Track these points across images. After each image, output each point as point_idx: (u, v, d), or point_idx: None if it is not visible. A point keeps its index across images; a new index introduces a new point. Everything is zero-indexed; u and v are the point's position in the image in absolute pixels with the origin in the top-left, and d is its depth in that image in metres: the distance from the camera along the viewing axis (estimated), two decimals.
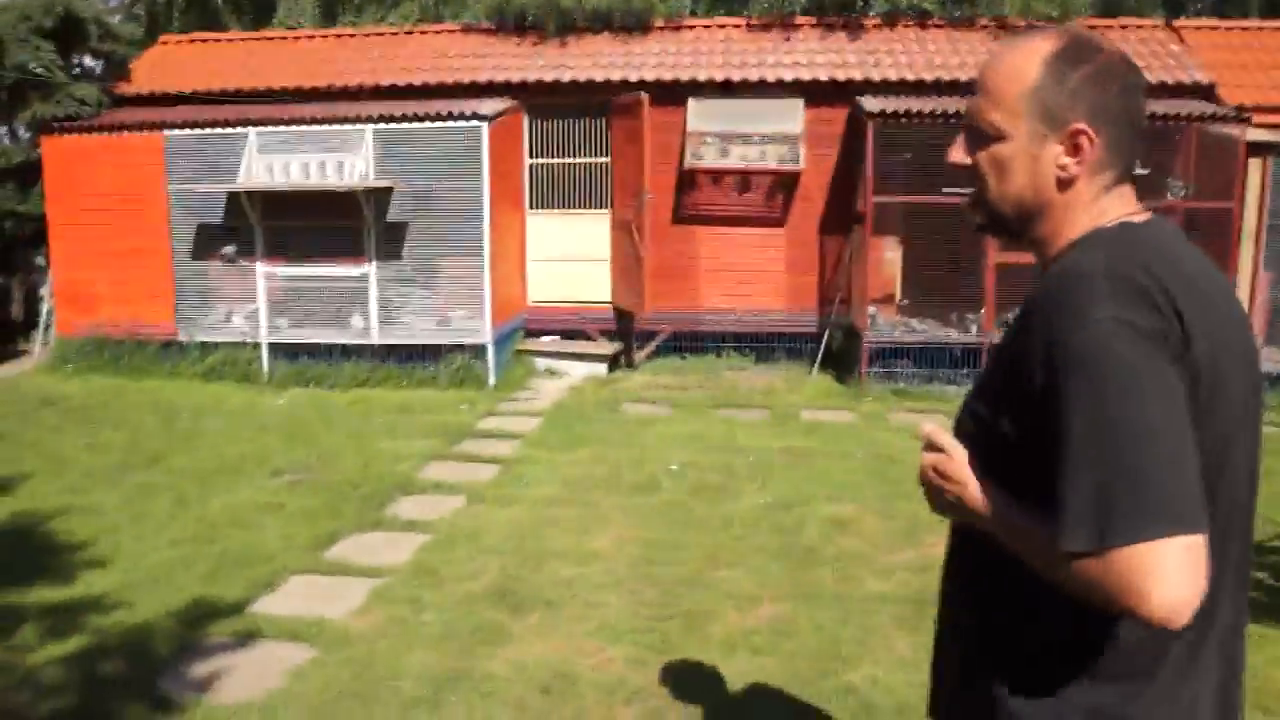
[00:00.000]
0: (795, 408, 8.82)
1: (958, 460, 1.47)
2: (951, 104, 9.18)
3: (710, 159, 10.01)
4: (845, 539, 5.46)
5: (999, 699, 1.45)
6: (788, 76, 10.07)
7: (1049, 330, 1.32)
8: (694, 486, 6.41)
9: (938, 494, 1.51)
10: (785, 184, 10.29)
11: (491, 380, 9.37)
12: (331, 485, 6.41)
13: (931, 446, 1.51)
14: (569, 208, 10.73)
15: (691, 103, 10.06)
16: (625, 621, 4.41)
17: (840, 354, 10.19)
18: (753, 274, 10.51)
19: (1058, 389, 1.28)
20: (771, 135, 9.97)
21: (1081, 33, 1.46)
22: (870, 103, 9.29)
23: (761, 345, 10.56)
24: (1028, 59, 1.43)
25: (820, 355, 10.23)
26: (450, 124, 9.18)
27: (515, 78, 10.24)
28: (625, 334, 10.52)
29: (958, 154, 1.53)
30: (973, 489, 1.44)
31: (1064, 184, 1.44)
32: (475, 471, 6.76)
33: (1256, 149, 9.20)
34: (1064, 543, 1.25)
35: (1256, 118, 9.33)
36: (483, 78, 10.26)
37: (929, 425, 1.54)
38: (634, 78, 10.06)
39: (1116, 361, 1.25)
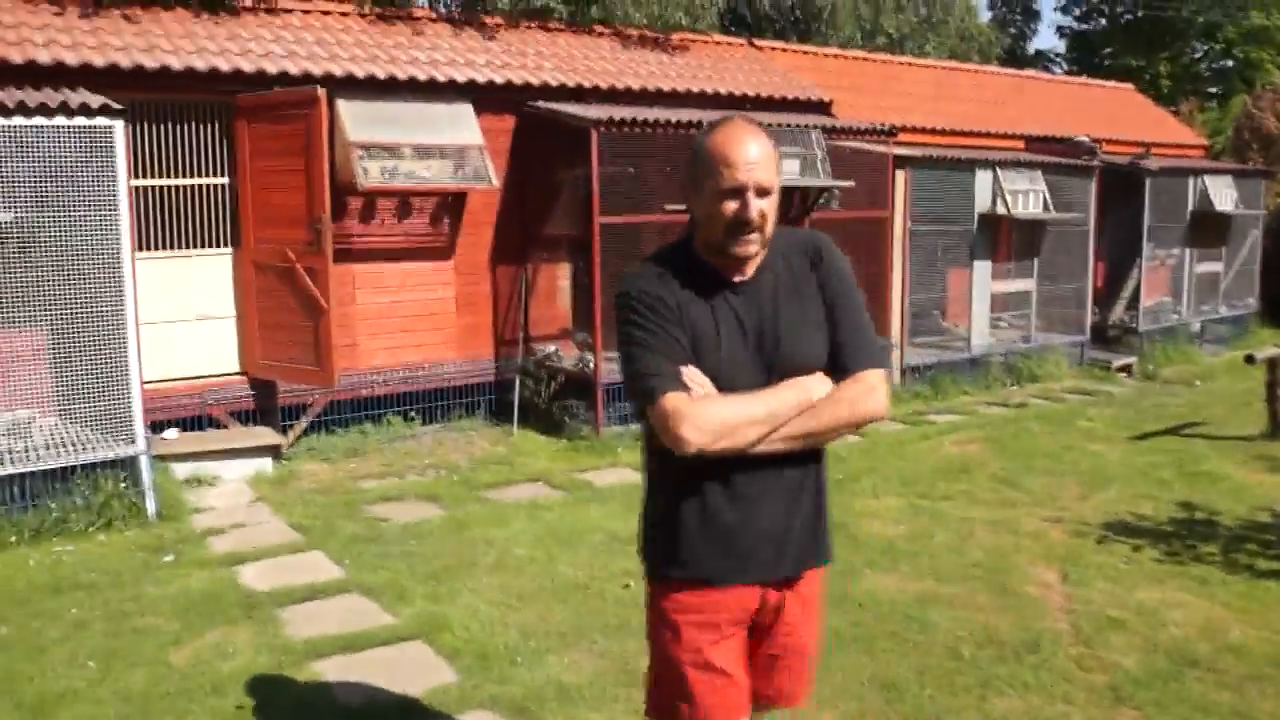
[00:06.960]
0: (567, 476, 7.24)
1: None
2: (665, 114, 8.27)
3: (375, 176, 7.77)
4: None
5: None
6: (459, 76, 8.26)
7: (831, 260, 2.34)
8: None
9: None
10: (451, 207, 8.46)
11: (151, 508, 6.19)
12: None
13: None
14: (177, 248, 7.62)
15: (343, 104, 7.73)
16: None
17: (528, 403, 8.68)
18: (418, 319, 8.49)
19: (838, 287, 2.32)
20: (445, 147, 8.07)
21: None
22: (591, 110, 7.97)
23: (433, 405, 8.57)
24: (772, 146, 2.23)
25: (517, 408, 8.61)
26: (59, 121, 5.82)
27: (96, 60, 6.89)
28: (268, 412, 7.79)
29: (758, 205, 2.20)
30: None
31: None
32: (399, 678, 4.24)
33: (900, 162, 9.76)
34: (861, 364, 2.26)
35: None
36: (44, 57, 6.71)
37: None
38: (272, 69, 7.45)
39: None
